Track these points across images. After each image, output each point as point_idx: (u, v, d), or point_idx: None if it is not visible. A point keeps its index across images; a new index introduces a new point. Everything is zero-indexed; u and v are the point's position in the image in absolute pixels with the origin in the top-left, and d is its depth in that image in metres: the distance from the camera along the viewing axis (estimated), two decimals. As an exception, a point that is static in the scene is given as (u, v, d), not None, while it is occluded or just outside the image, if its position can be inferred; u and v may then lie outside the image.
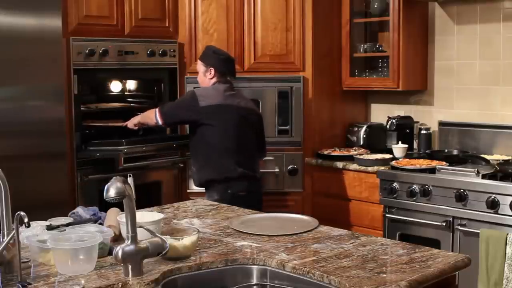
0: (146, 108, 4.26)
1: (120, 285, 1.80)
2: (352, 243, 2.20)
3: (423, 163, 3.88)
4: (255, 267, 2.03)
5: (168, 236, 2.00)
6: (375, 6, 4.42)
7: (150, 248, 1.87)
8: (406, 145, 4.21)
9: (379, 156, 4.16)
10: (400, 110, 4.58)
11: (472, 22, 4.21)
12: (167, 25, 4.33)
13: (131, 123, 3.90)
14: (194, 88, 3.89)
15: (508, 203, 3.30)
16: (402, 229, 3.80)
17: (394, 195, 3.81)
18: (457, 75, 4.33)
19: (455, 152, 4.14)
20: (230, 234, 2.34)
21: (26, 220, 1.71)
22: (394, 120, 4.34)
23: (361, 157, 4.14)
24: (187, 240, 2.03)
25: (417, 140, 4.41)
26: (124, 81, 4.54)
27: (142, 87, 4.59)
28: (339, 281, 1.82)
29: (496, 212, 3.35)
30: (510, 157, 3.90)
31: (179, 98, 4.09)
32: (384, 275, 1.87)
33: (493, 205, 3.35)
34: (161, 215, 2.25)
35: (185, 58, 4.39)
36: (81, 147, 3.84)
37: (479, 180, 3.47)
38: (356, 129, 4.58)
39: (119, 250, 1.83)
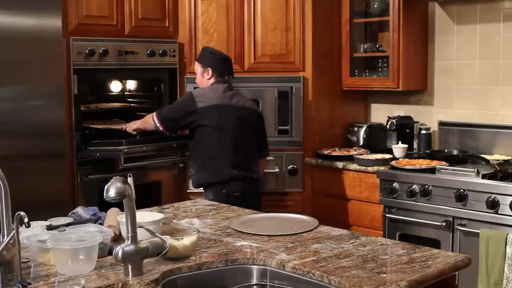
0: (146, 108, 4.27)
1: (120, 285, 1.80)
2: (352, 243, 2.20)
3: (423, 163, 3.88)
4: (255, 267, 2.03)
5: (168, 236, 2.00)
6: (375, 6, 4.42)
7: (150, 248, 1.87)
8: (406, 145, 4.21)
9: (379, 156, 4.16)
10: (400, 110, 4.58)
11: (472, 22, 4.21)
12: (167, 25, 4.33)
13: (130, 128, 3.90)
14: (194, 88, 3.90)
15: (508, 203, 3.30)
16: (402, 229, 3.80)
17: (394, 195, 3.81)
18: (457, 75, 4.33)
19: (455, 152, 4.14)
20: (230, 234, 2.34)
21: (26, 220, 1.71)
22: (394, 120, 4.35)
23: (361, 157, 4.14)
24: (187, 240, 2.03)
25: (417, 140, 4.41)
26: (124, 81, 4.54)
27: (142, 87, 4.59)
28: (339, 281, 1.82)
29: (496, 212, 3.35)
30: (510, 157, 3.90)
31: (177, 100, 4.08)
32: (384, 275, 1.87)
33: (493, 205, 3.35)
34: (161, 215, 2.25)
35: (185, 58, 4.39)
36: (81, 147, 3.84)
37: (479, 180, 3.47)
38: (356, 129, 4.58)
39: (119, 250, 1.83)
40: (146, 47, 4.14)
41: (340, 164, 4.19)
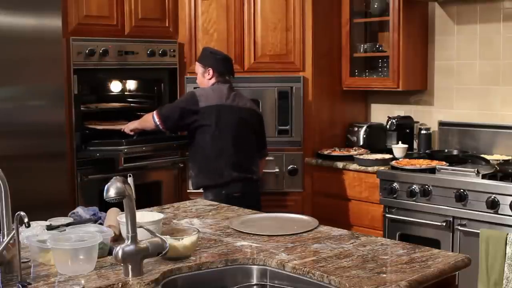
0: (146, 108, 4.27)
1: (120, 285, 1.80)
2: (352, 243, 2.20)
3: (423, 163, 3.88)
4: (255, 267, 2.03)
5: (168, 236, 2.00)
6: (375, 6, 4.42)
7: (150, 248, 1.87)
8: (406, 145, 4.21)
9: (379, 156, 4.16)
10: (400, 110, 4.58)
11: (472, 22, 4.21)
12: (167, 25, 4.33)
13: (128, 128, 3.89)
14: (194, 88, 3.89)
15: (508, 203, 3.30)
16: (402, 229, 3.80)
17: (394, 195, 3.81)
18: (457, 75, 4.33)
19: (455, 152, 4.14)
20: (230, 234, 2.34)
21: (26, 220, 1.71)
22: (394, 120, 4.35)
23: (361, 157, 4.14)
24: (187, 240, 2.03)
25: (417, 140, 4.41)
26: (124, 81, 4.54)
27: (142, 87, 4.59)
28: (339, 281, 1.82)
29: (496, 212, 3.35)
30: (510, 157, 3.90)
31: (178, 99, 4.08)
32: (384, 275, 1.87)
33: (493, 205, 3.35)
34: (161, 215, 2.25)
35: (185, 58, 4.39)
36: (81, 147, 3.84)
37: (479, 180, 3.47)
38: (356, 129, 4.58)
39: (119, 250, 1.83)
40: (146, 47, 4.14)
41: (340, 164, 4.19)
